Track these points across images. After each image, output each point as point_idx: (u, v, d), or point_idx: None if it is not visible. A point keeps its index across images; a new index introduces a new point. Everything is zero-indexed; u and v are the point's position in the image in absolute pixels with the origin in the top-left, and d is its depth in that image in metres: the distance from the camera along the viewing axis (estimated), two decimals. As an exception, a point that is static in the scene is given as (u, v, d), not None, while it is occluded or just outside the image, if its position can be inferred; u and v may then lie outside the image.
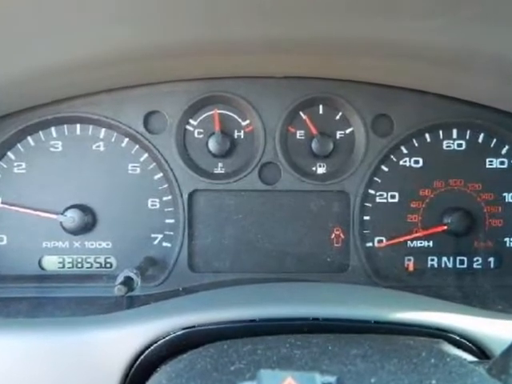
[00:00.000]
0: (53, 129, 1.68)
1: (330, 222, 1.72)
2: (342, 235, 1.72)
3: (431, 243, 1.74)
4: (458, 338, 1.09)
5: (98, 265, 1.71)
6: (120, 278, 1.50)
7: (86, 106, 1.66)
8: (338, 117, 1.71)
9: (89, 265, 1.71)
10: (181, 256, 1.69)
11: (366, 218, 1.72)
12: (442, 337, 1.09)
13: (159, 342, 1.09)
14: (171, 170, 1.67)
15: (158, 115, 1.68)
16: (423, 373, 0.90)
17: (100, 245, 1.70)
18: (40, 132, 1.68)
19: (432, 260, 1.74)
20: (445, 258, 1.74)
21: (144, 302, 1.56)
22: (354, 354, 0.96)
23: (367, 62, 1.48)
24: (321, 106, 1.70)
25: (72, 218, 1.66)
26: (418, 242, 1.73)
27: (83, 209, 1.67)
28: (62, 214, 1.66)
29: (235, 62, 1.56)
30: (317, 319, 1.12)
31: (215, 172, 1.71)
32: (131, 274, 1.51)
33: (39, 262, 1.70)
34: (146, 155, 1.69)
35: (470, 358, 1.05)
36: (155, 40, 1.26)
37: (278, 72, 1.66)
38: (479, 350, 1.10)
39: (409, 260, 1.73)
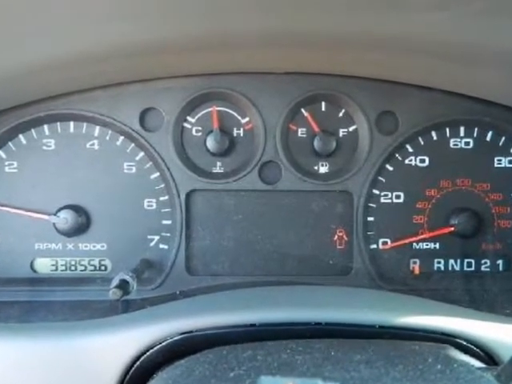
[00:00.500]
0: (45, 126, 1.68)
1: (333, 223, 1.72)
2: (345, 237, 1.72)
3: (438, 245, 1.74)
4: (465, 343, 1.09)
5: (92, 267, 1.71)
6: (115, 281, 1.50)
7: (81, 103, 1.66)
8: (340, 114, 1.71)
9: (83, 267, 1.71)
10: (178, 258, 1.70)
11: (370, 218, 1.73)
12: (449, 342, 1.09)
13: (156, 348, 1.08)
14: (168, 169, 1.67)
15: (155, 112, 1.68)
16: (429, 379, 0.90)
17: (94, 247, 1.70)
18: (32, 130, 1.68)
19: (438, 262, 1.74)
20: (452, 261, 1.74)
21: (140, 305, 1.56)
22: (358, 359, 0.96)
23: (371, 57, 1.48)
24: (323, 103, 1.70)
25: (65, 218, 1.66)
26: (424, 243, 1.74)
27: (77, 209, 1.67)
28: (54, 214, 1.66)
29: (234, 58, 1.56)
30: (319, 324, 1.13)
31: (214, 171, 1.71)
32: (127, 277, 1.51)
33: (31, 265, 1.70)
34: (141, 154, 1.69)
35: (477, 364, 1.05)
36: (153, 35, 1.26)
37: (278, 68, 1.66)
38: (487, 355, 1.09)
39: (414, 262, 1.73)
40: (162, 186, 1.70)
